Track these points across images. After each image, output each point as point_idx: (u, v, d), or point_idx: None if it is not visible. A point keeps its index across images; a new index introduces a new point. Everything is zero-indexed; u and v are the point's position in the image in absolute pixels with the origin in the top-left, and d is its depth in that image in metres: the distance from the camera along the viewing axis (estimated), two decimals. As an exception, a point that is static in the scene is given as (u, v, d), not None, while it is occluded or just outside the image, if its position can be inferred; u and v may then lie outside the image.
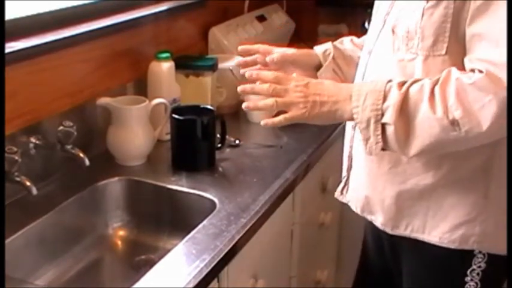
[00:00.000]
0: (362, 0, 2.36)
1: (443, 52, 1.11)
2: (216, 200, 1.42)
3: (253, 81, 1.22)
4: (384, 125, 1.09)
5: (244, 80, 1.25)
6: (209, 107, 1.66)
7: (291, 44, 2.55)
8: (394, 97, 1.08)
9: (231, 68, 1.94)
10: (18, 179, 1.31)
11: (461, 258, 1.20)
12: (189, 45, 2.05)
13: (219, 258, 1.21)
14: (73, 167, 1.50)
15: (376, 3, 1.30)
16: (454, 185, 1.17)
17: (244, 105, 1.22)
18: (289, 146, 1.70)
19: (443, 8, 1.09)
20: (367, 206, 1.28)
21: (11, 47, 1.38)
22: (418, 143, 1.08)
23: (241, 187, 1.49)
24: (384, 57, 1.22)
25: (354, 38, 1.46)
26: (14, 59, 1.37)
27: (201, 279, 1.15)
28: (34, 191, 1.31)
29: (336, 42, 1.44)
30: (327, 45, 1.42)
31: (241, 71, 1.36)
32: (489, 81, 1.01)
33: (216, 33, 2.13)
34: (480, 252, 1.19)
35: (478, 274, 1.20)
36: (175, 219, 1.50)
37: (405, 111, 1.08)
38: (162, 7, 1.90)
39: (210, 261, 1.19)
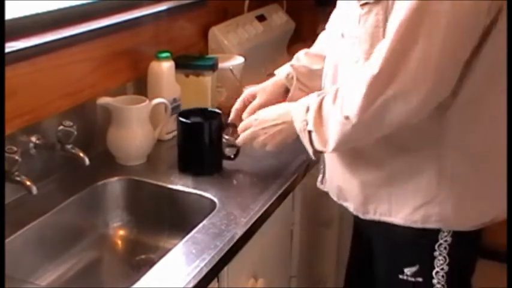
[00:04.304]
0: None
1: None
2: (216, 199, 1.42)
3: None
4: (310, 132, 1.26)
5: (244, 79, 1.28)
6: (217, 110, 1.62)
7: (290, 44, 2.57)
8: (313, 107, 1.25)
9: (231, 67, 1.94)
10: (18, 178, 1.31)
11: (428, 234, 1.28)
12: (189, 45, 2.05)
13: (219, 258, 1.21)
14: (73, 166, 1.50)
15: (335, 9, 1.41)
16: (411, 171, 1.25)
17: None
18: (289, 145, 1.70)
19: (375, 15, 1.16)
20: (341, 195, 1.39)
21: (11, 47, 1.38)
22: (331, 141, 1.22)
23: (241, 187, 1.49)
24: (338, 61, 1.32)
25: (308, 50, 1.55)
26: (14, 59, 1.37)
27: (201, 279, 1.15)
28: (34, 190, 1.31)
29: (293, 62, 1.55)
30: (288, 69, 1.54)
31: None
32: (362, 71, 1.14)
33: (216, 33, 2.13)
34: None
35: (445, 248, 1.28)
36: (175, 218, 1.50)
37: (321, 117, 1.23)
38: (162, 7, 1.90)
39: (210, 261, 1.19)
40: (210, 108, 1.65)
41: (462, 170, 1.22)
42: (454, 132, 1.21)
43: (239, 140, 1.46)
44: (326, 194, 1.48)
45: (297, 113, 1.30)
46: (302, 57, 1.54)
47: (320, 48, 1.53)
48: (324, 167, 1.45)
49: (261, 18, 2.39)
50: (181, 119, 1.55)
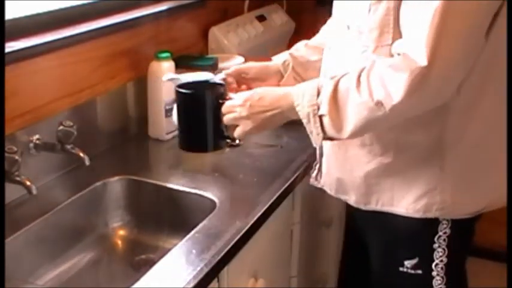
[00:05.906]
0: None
1: (390, 42, 1.19)
2: (216, 199, 1.42)
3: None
4: (321, 117, 1.21)
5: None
6: (218, 81, 1.45)
7: (290, 44, 2.57)
8: (326, 90, 1.20)
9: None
10: (18, 178, 1.31)
11: (427, 226, 1.30)
12: (189, 45, 2.05)
13: (219, 258, 1.21)
14: (73, 167, 1.50)
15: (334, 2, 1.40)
16: (413, 161, 1.27)
17: None
18: (289, 145, 1.70)
19: (386, 3, 1.18)
20: (340, 188, 1.39)
21: (11, 47, 1.38)
22: (350, 126, 1.19)
23: (241, 187, 1.49)
24: (341, 52, 1.31)
25: (308, 42, 1.56)
26: (14, 59, 1.37)
27: (201, 279, 1.15)
28: (34, 190, 1.31)
29: (292, 50, 1.55)
30: (285, 56, 1.53)
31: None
32: (404, 61, 1.12)
33: (216, 33, 2.13)
34: (444, 218, 1.29)
35: (444, 240, 1.30)
36: (175, 218, 1.50)
37: (336, 101, 1.19)
38: (162, 7, 1.90)
39: (210, 261, 1.19)
40: (211, 80, 1.48)
41: (462, 159, 1.26)
42: (455, 120, 1.23)
43: (225, 120, 1.33)
44: (327, 193, 1.48)
45: (302, 97, 1.22)
46: (301, 48, 1.55)
47: (320, 41, 1.54)
48: (320, 162, 1.43)
49: (261, 18, 2.39)
50: (180, 89, 1.38)
